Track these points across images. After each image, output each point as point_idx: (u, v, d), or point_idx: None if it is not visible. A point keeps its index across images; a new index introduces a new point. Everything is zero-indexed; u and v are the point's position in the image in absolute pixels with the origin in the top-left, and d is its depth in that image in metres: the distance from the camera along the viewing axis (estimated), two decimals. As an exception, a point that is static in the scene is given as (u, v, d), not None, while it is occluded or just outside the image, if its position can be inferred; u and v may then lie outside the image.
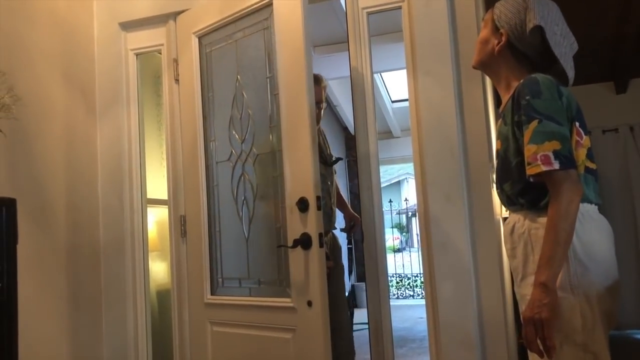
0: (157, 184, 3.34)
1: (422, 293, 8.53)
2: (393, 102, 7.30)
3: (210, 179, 2.52)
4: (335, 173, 2.90)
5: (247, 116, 2.37)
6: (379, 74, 6.29)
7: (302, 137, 2.07)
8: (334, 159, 2.82)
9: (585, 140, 1.47)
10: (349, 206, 3.03)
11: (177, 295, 2.60)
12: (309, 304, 2.03)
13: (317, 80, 2.60)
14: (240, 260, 2.39)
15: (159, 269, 3.45)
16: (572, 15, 1.67)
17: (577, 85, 1.69)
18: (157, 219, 3.41)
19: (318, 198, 2.04)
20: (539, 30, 1.51)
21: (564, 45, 1.53)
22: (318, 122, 2.62)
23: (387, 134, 7.63)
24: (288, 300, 2.13)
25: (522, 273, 1.50)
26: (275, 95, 2.24)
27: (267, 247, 2.30)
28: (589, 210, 1.44)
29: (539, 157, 1.38)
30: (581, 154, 1.46)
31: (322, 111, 2.75)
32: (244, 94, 2.39)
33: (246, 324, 2.30)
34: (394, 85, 7.15)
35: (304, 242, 2.03)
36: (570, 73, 1.55)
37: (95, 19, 2.76)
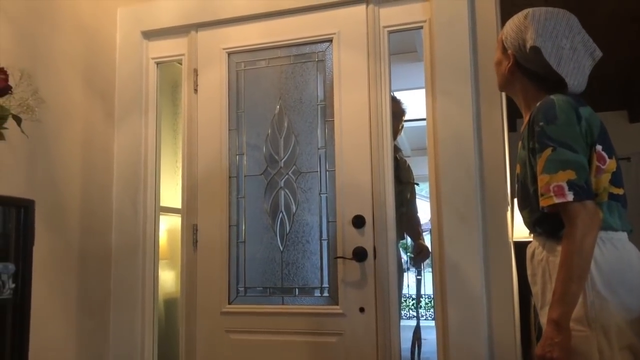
0: (169, 192, 3.35)
1: (426, 314, 8.44)
2: (405, 121, 7.29)
3: (235, 191, 2.58)
4: (412, 195, 3.18)
5: (290, 137, 2.54)
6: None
7: (362, 160, 2.38)
8: (413, 181, 3.18)
9: (610, 164, 1.40)
10: (421, 237, 3.22)
11: (185, 304, 2.59)
12: (362, 310, 2.31)
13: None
14: (272, 270, 2.51)
15: (167, 278, 3.45)
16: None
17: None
18: (167, 227, 3.42)
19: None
20: (537, 50, 1.46)
21: (574, 58, 1.46)
22: (395, 136, 2.97)
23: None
24: (335, 307, 2.36)
25: (541, 301, 1.46)
26: (328, 122, 2.48)
27: (307, 258, 2.46)
28: (612, 238, 1.38)
29: (552, 188, 1.32)
30: (603, 180, 1.39)
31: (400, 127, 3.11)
32: (287, 116, 2.55)
33: (276, 330, 2.44)
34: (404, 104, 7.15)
35: (360, 254, 2.32)
36: (577, 86, 1.48)
37: (119, 27, 2.80)
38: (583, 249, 1.29)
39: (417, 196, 3.30)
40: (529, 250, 1.55)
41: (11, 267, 1.75)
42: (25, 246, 1.79)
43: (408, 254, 3.27)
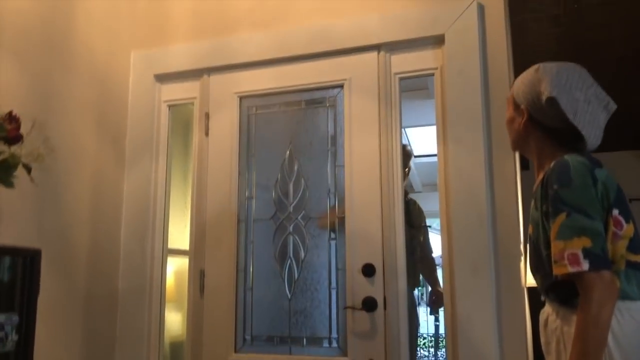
0: (178, 234, 3.33)
1: (438, 354, 8.26)
2: (415, 157, 7.30)
3: (243, 234, 2.56)
4: (425, 237, 3.27)
5: (300, 181, 2.52)
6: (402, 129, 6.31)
7: (372, 207, 2.34)
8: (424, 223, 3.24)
9: (627, 229, 1.35)
10: (438, 283, 3.26)
11: (191, 352, 2.54)
12: None
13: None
14: (280, 318, 2.46)
15: (173, 320, 3.40)
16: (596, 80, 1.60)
17: (602, 152, 1.62)
18: (175, 268, 3.38)
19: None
20: (554, 101, 1.43)
21: (589, 111, 1.43)
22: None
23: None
24: (344, 358, 2.30)
25: None
26: (339, 167, 2.46)
27: (316, 307, 2.41)
28: (630, 308, 1.30)
29: (566, 256, 1.26)
30: (620, 247, 1.33)
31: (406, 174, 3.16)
32: (297, 160, 2.54)
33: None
34: (416, 140, 7.16)
35: (369, 304, 2.27)
36: (593, 138, 1.45)
37: (132, 70, 2.82)
38: (599, 322, 1.23)
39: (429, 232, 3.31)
40: (542, 317, 1.49)
41: (15, 318, 1.72)
42: (30, 297, 1.77)
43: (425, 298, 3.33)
